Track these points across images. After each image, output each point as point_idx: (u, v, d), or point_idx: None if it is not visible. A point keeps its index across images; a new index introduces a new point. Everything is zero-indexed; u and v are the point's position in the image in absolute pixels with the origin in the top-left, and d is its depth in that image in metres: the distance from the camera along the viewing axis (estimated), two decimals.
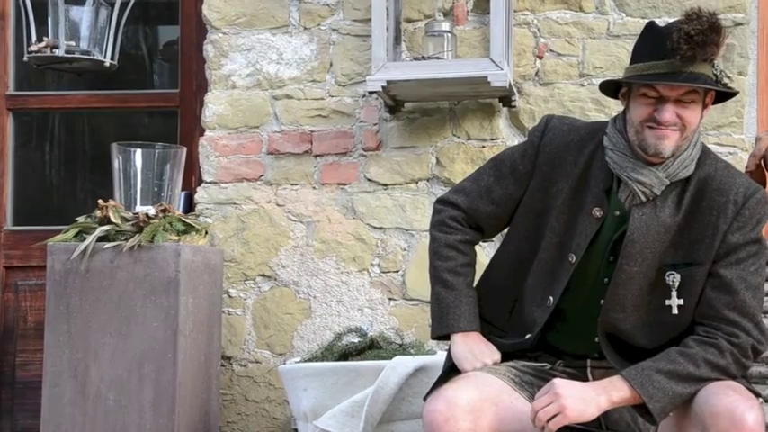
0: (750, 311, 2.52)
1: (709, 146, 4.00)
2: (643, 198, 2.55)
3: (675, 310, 2.55)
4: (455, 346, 2.66)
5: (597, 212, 2.59)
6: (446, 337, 2.71)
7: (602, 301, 2.58)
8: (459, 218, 2.72)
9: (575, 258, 2.59)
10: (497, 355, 2.66)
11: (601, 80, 2.68)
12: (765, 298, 3.23)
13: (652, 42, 2.53)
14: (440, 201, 2.78)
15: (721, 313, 2.52)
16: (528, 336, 2.64)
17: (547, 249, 2.63)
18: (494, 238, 2.98)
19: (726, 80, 2.55)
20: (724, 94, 2.60)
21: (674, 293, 2.55)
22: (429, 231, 2.77)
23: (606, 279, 2.59)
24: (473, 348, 2.65)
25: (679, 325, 2.57)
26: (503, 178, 2.69)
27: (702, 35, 2.46)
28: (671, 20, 4.07)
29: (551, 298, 2.61)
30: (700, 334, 2.53)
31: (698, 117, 2.54)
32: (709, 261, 2.54)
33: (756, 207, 2.56)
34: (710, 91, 2.56)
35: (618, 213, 2.58)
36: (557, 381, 2.44)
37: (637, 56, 2.56)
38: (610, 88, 2.65)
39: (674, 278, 2.55)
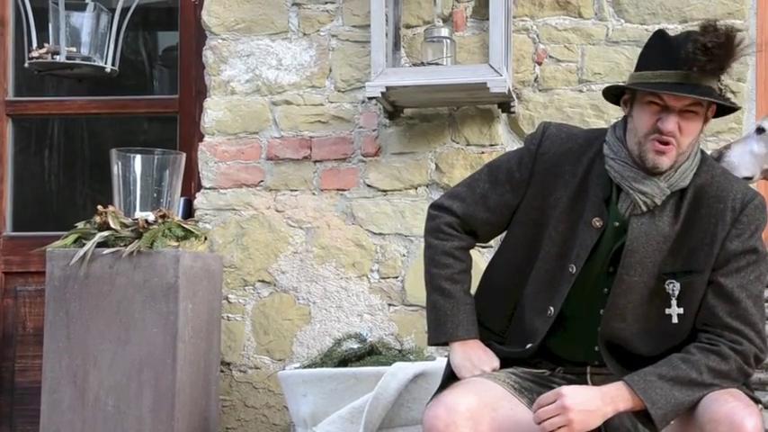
0: (752, 320, 2.51)
1: (708, 152, 4.05)
2: (644, 208, 2.54)
3: (675, 319, 2.55)
4: (454, 354, 2.66)
5: (597, 223, 2.57)
6: (443, 343, 2.70)
7: (601, 310, 2.58)
8: (454, 224, 2.71)
9: (575, 269, 2.57)
10: (496, 363, 2.65)
11: (600, 86, 2.69)
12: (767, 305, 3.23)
13: (662, 51, 2.49)
14: (434, 206, 2.76)
15: (723, 321, 2.51)
16: (529, 345, 2.63)
17: (546, 259, 2.62)
18: (492, 243, 2.97)
19: (729, 95, 2.53)
20: (724, 109, 2.59)
21: (673, 302, 2.54)
22: (424, 237, 2.76)
23: (606, 289, 2.58)
24: (471, 356, 2.65)
25: (680, 333, 2.57)
26: (499, 185, 2.67)
27: (719, 48, 2.43)
28: (670, 27, 4.12)
29: (552, 308, 2.60)
30: (702, 341, 2.52)
31: (698, 129, 2.53)
32: (709, 269, 2.53)
33: (754, 213, 2.54)
34: (712, 104, 2.54)
35: (617, 224, 2.57)
36: (564, 390, 2.42)
37: (644, 63, 2.53)
38: (612, 94, 2.63)
39: (674, 287, 2.54)
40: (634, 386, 2.44)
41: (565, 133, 2.67)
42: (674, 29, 4.09)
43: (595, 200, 2.58)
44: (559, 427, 2.40)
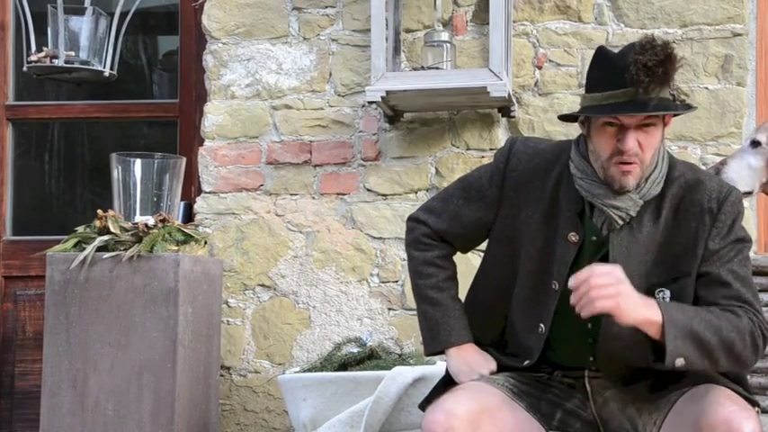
0: (746, 298, 2.50)
1: (708, 156, 4.05)
2: (620, 222, 2.53)
3: None
4: (450, 360, 2.67)
5: (573, 237, 2.56)
6: (440, 352, 2.71)
7: (589, 324, 2.55)
8: (431, 234, 2.73)
9: (558, 285, 2.57)
10: (493, 365, 2.66)
11: None
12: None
13: (608, 71, 2.47)
14: (411, 219, 2.78)
15: (721, 302, 2.49)
16: (526, 362, 2.64)
17: (527, 276, 2.62)
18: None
19: (683, 97, 2.54)
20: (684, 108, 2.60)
21: None
22: (406, 250, 2.78)
23: None
24: (468, 360, 2.66)
25: None
26: (471, 202, 2.68)
27: (660, 65, 2.42)
28: (670, 31, 4.13)
29: (542, 326, 2.60)
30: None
31: (659, 139, 2.51)
32: (695, 269, 2.53)
33: (732, 209, 2.54)
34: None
35: (595, 239, 2.56)
36: (621, 271, 2.36)
37: (593, 84, 2.51)
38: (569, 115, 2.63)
39: (665, 295, 2.53)
40: (660, 304, 2.39)
41: (531, 149, 2.66)
42: (673, 33, 4.10)
43: (568, 214, 2.58)
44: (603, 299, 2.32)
